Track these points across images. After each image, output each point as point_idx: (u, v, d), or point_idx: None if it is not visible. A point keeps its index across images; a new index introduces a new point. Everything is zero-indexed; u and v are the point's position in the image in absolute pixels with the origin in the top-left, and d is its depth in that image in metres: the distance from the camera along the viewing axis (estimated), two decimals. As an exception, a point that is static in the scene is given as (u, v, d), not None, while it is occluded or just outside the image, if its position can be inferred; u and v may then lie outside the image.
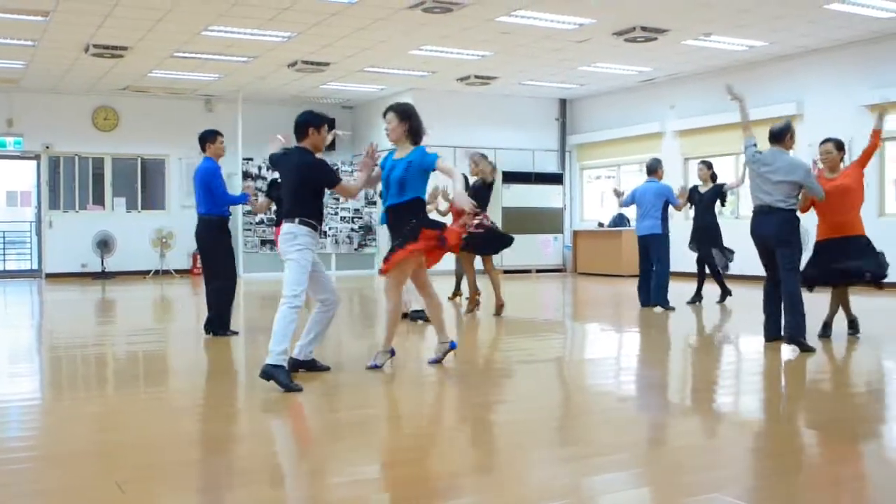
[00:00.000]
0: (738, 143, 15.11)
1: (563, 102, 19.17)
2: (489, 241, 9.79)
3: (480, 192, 9.68)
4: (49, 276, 17.32)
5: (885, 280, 7.68)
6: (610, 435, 4.61)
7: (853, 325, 7.91)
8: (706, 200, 10.97)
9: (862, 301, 8.57)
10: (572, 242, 18.48)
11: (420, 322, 8.91)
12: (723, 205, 10.92)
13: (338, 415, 5.27)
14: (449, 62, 14.76)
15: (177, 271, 17.97)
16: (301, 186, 5.92)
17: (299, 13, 11.39)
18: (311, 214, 5.88)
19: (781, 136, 7.29)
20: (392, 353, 6.37)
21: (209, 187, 7.91)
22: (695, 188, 11.21)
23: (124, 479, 3.67)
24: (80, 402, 5.66)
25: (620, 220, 17.28)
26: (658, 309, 10.28)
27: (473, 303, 9.99)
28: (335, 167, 19.25)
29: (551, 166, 19.05)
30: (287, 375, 5.56)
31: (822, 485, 3.76)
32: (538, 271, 18.04)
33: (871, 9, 11.40)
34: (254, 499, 3.58)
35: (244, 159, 16.97)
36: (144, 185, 18.51)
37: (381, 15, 11.52)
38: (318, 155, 6.02)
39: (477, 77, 16.13)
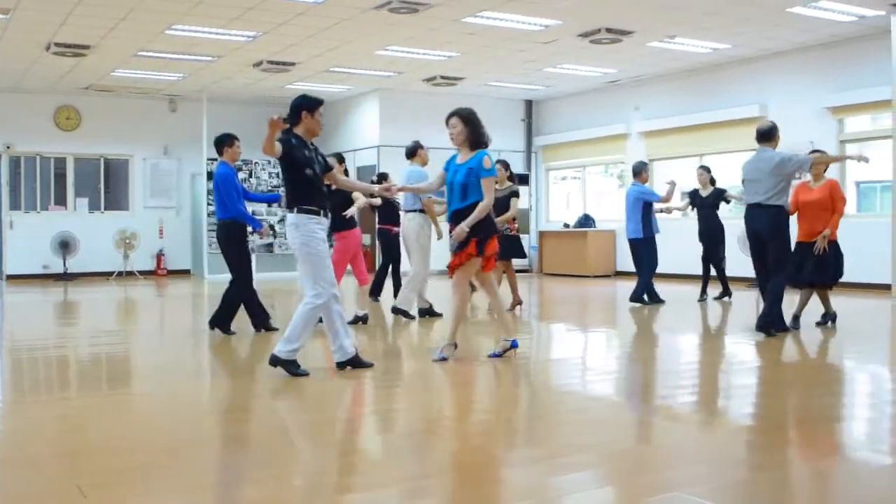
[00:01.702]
0: (701, 145, 15.36)
1: (528, 104, 19.24)
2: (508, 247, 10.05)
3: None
4: (10, 277, 17.06)
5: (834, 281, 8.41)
6: (574, 435, 4.63)
7: (827, 318, 8.49)
8: (707, 205, 11.29)
9: (848, 302, 8.70)
10: (538, 243, 18.55)
11: (403, 319, 9.39)
12: (727, 202, 11.33)
13: (305, 416, 5.24)
14: (415, 63, 14.75)
15: (140, 272, 17.79)
16: (283, 171, 5.91)
17: (264, 12, 11.32)
18: (306, 199, 5.81)
19: (771, 134, 7.95)
20: (455, 346, 6.67)
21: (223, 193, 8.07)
22: (696, 192, 11.51)
23: (86, 484, 3.63)
24: (42, 404, 5.58)
25: (586, 221, 17.38)
26: (636, 305, 10.88)
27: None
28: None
29: (517, 167, 19.03)
30: (296, 366, 5.94)
31: (783, 482, 3.81)
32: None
33: (832, 13, 11.57)
34: (219, 503, 3.56)
35: (209, 159, 16.83)
36: (107, 186, 18.29)
37: (347, 15, 11.48)
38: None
39: (443, 78, 16.13)
